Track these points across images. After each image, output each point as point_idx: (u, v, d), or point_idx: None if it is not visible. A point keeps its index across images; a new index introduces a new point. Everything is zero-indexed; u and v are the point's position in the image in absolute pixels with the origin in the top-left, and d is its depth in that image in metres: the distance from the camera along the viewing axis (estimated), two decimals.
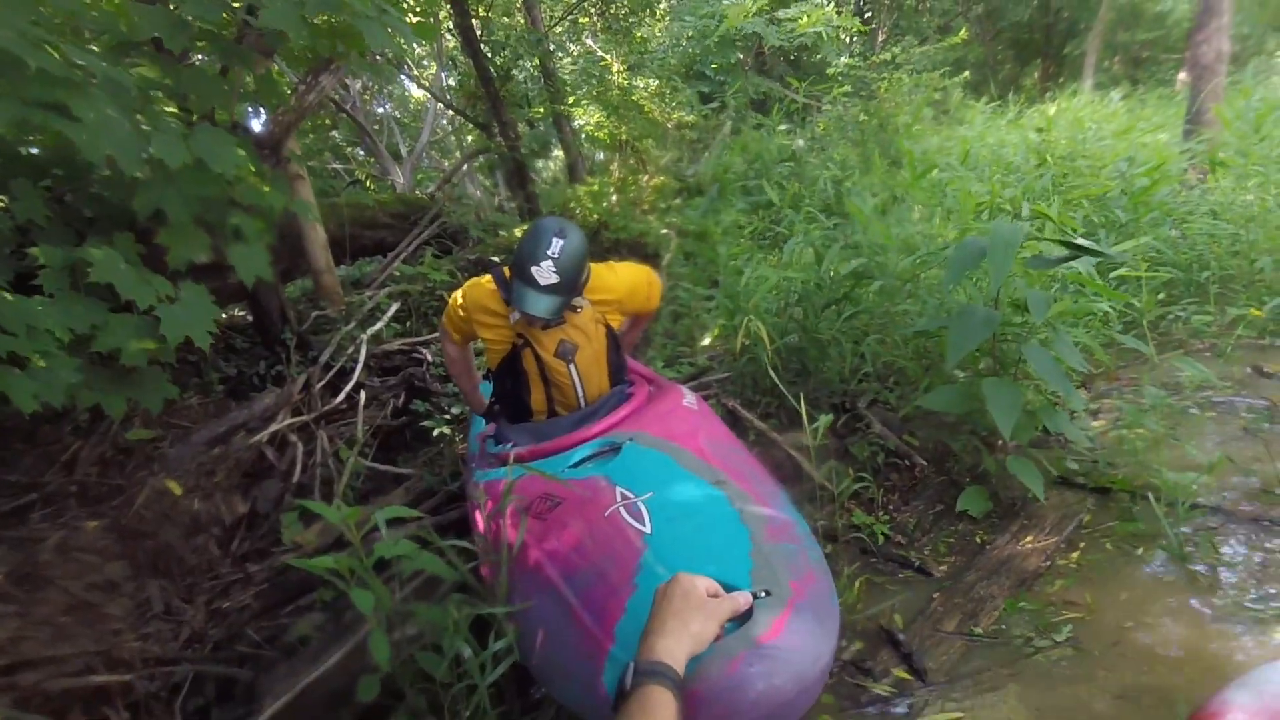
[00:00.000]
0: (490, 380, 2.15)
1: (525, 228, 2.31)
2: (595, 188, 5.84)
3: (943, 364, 2.26)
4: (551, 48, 6.21)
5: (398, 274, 4.37)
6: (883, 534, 2.14)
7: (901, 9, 11.26)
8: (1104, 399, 2.82)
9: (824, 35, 6.27)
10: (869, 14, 10.77)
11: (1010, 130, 5.94)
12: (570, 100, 6.15)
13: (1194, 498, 1.98)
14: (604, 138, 6.70)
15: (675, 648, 0.95)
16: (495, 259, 4.51)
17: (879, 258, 2.88)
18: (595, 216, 5.25)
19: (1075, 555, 1.95)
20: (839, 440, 2.56)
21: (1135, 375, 2.95)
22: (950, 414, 2.27)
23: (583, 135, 7.02)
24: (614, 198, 5.71)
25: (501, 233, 5.28)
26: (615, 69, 6.42)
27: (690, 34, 6.36)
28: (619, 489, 1.48)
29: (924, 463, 2.44)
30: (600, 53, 6.76)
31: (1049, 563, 1.94)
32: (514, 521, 1.53)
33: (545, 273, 1.75)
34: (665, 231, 4.89)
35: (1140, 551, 1.92)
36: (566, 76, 6.51)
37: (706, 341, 3.26)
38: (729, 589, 1.12)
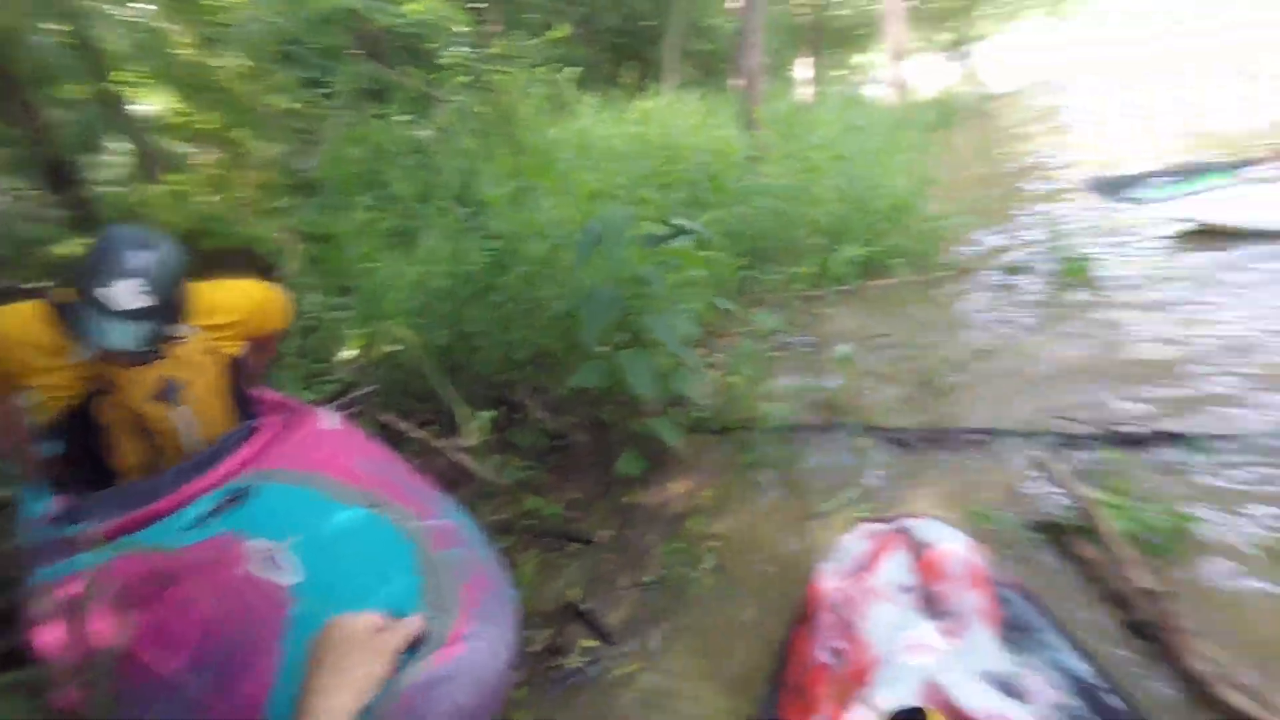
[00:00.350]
0: (55, 440, 1.64)
1: (89, 242, 1.75)
2: (181, 187, 4.87)
3: (589, 344, 2.42)
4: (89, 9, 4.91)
5: None
6: (555, 514, 2.21)
7: (513, 2, 11.64)
8: (717, 354, 3.35)
9: (435, 23, 6.13)
10: (484, 5, 10.90)
11: (615, 124, 6.61)
12: (118, 76, 4.96)
13: (784, 422, 2.46)
14: (185, 126, 5.60)
15: (338, 705, 0.83)
16: (31, 285, 3.45)
17: (515, 245, 2.95)
18: (184, 224, 4.38)
19: (709, 493, 2.28)
20: (501, 433, 2.57)
21: (737, 330, 3.56)
22: (598, 388, 2.45)
23: (156, 123, 5.77)
24: (215, 198, 4.84)
25: (41, 249, 4.08)
26: (182, 41, 5.37)
27: (278, 6, 5.64)
28: (249, 543, 1.26)
29: (583, 438, 2.59)
30: (159, 21, 5.58)
31: (692, 503, 2.23)
32: (108, 621, 1.19)
33: (125, 294, 1.38)
34: (281, 235, 4.32)
35: (754, 476, 2.32)
36: (115, 47, 5.23)
37: (347, 354, 2.98)
38: (399, 617, 1.02)
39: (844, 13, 17.42)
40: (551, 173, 3.96)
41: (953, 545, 1.28)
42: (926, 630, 1.09)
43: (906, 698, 0.91)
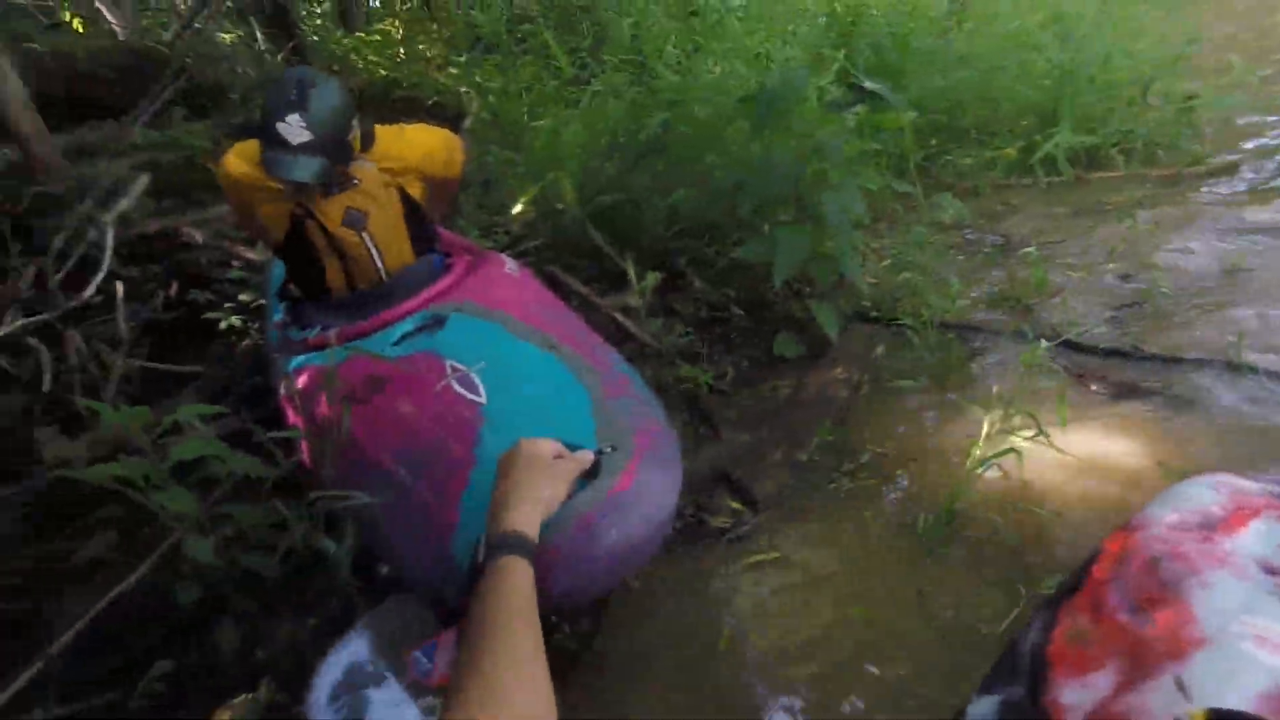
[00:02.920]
0: (280, 259, 1.90)
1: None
2: (378, 37, 5.12)
3: (752, 217, 2.34)
4: None
5: (140, 141, 3.58)
6: (707, 384, 2.25)
7: None
8: (884, 239, 3.14)
9: None
10: None
11: None
12: None
13: (955, 321, 2.29)
14: None
15: (525, 515, 0.94)
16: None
17: (681, 109, 2.83)
18: (382, 72, 4.63)
19: (866, 388, 2.19)
20: (661, 298, 2.62)
21: (908, 216, 3.28)
22: (762, 264, 2.40)
23: None
24: (400, 50, 5.06)
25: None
26: None
27: None
28: (449, 362, 1.41)
29: (741, 313, 2.58)
30: None
31: (850, 394, 2.16)
32: (335, 408, 1.41)
33: (294, 130, 1.53)
34: (465, 90, 4.46)
35: (915, 375, 2.17)
36: None
37: (519, 208, 3.11)
38: (574, 449, 1.12)
39: None
40: (724, 32, 3.69)
41: None
42: None
43: (1239, 698, 0.72)
